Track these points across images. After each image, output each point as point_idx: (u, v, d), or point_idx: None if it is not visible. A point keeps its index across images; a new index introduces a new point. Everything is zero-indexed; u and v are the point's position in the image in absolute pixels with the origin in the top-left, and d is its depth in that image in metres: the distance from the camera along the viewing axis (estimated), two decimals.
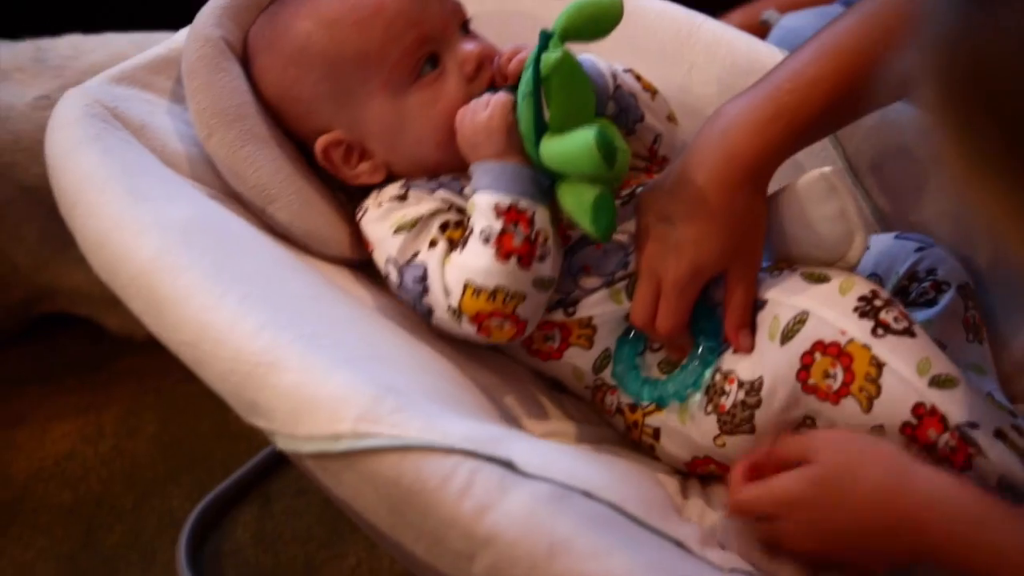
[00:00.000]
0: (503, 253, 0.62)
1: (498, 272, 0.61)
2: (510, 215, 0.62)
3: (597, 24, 0.63)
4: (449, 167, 0.68)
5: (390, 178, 0.70)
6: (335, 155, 0.70)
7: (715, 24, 0.88)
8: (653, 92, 0.75)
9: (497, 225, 0.62)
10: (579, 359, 0.68)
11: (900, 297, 0.69)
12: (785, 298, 0.62)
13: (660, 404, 0.65)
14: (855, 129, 0.80)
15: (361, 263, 0.72)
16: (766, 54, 0.84)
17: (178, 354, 0.56)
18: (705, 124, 0.65)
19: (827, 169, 0.64)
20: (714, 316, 0.65)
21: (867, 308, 0.60)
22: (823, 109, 0.62)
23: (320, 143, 0.70)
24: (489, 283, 0.62)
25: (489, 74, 0.68)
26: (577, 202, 0.61)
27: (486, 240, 0.62)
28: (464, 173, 0.68)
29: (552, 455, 0.54)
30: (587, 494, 0.49)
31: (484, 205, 0.63)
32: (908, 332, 0.59)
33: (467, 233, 0.64)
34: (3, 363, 1.13)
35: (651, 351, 0.67)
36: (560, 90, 0.61)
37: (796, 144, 0.64)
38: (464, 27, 0.71)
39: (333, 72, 0.68)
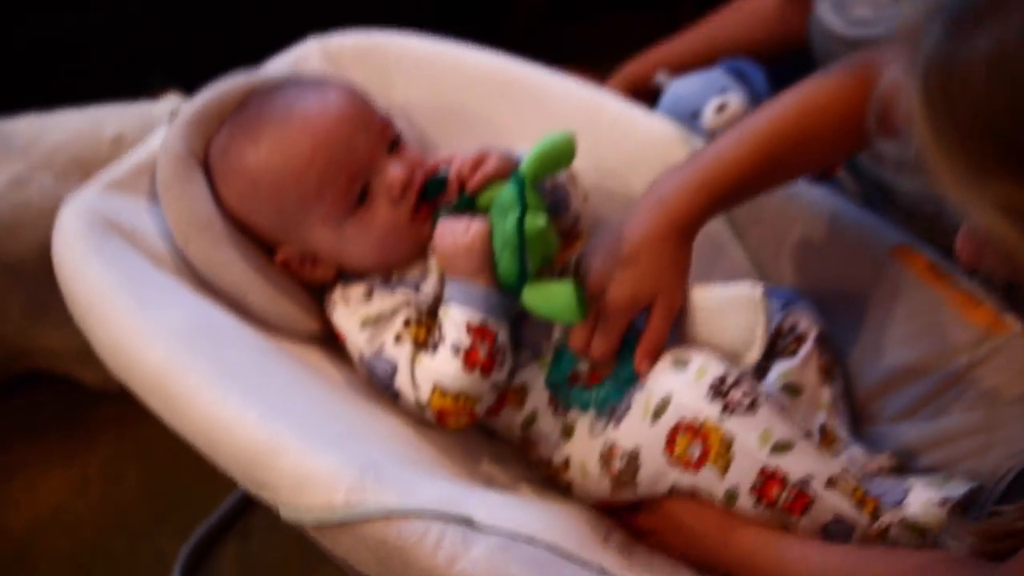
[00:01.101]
0: (470, 364, 0.75)
1: (463, 379, 0.75)
2: (478, 332, 0.75)
3: (557, 164, 0.78)
4: (391, 268, 0.81)
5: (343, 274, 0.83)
6: (292, 263, 0.83)
7: (617, 102, 1.01)
8: (573, 179, 0.88)
9: (467, 341, 0.75)
10: (511, 417, 0.81)
11: (769, 350, 0.83)
12: (656, 383, 0.76)
13: (584, 407, 0.79)
14: None
15: (327, 337, 0.85)
16: (660, 128, 0.98)
17: (192, 442, 0.68)
18: (643, 193, 0.79)
19: (759, 289, 0.78)
20: (633, 349, 0.78)
21: (718, 390, 0.74)
22: (740, 184, 0.78)
23: (278, 256, 0.83)
24: (455, 387, 0.75)
25: (416, 187, 0.80)
26: (550, 302, 0.75)
27: (456, 351, 0.75)
28: (414, 266, 0.81)
29: (501, 508, 0.68)
30: (530, 539, 0.64)
31: (457, 319, 0.76)
32: (752, 407, 0.73)
33: (438, 339, 0.76)
34: None
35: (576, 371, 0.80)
36: (538, 247, 0.75)
37: (716, 209, 0.79)
38: (392, 145, 0.82)
39: (279, 210, 0.80)
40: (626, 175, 0.97)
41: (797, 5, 1.17)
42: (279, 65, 0.99)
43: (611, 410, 0.77)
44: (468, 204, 0.81)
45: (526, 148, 0.85)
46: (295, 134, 0.80)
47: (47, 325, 1.11)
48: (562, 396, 0.80)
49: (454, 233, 0.77)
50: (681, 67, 1.25)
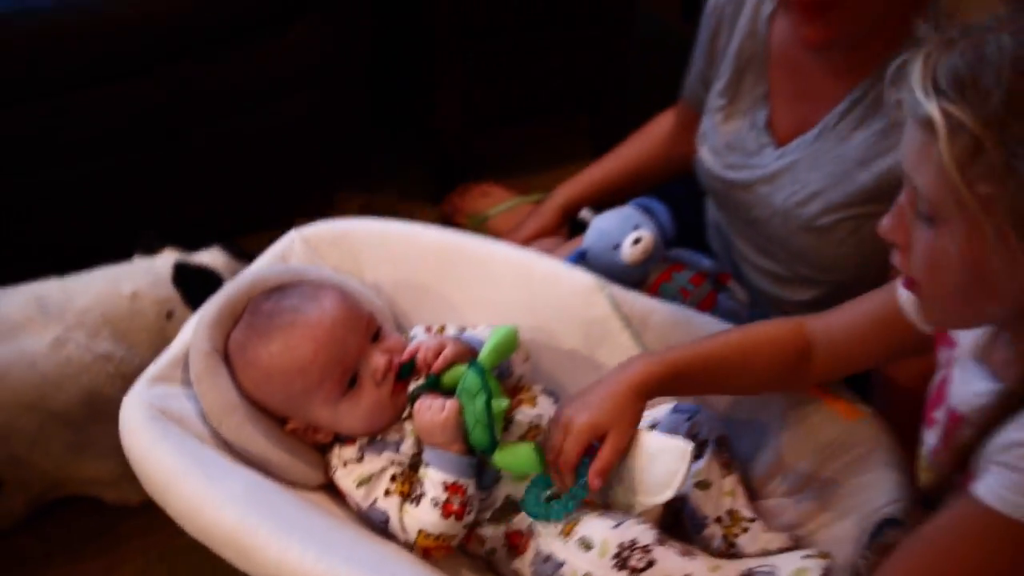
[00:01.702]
0: (447, 514, 1.00)
1: (442, 525, 1.00)
2: (453, 488, 1.00)
3: (507, 353, 1.07)
4: (376, 433, 1.07)
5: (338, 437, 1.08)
6: (299, 432, 1.08)
7: (544, 261, 1.28)
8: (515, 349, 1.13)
9: (444, 496, 1.00)
10: (473, 545, 1.07)
11: None
12: (573, 557, 0.99)
13: (546, 519, 1.02)
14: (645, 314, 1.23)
15: (328, 483, 1.10)
16: (580, 280, 1.25)
17: None
18: (613, 368, 1.05)
19: (690, 446, 1.01)
20: (585, 471, 1.01)
21: (620, 560, 0.96)
22: (687, 378, 1.04)
23: (288, 426, 1.08)
24: (435, 531, 1.00)
25: (394, 372, 1.06)
26: (517, 461, 1.02)
27: (435, 504, 1.00)
28: (393, 430, 1.07)
29: None
30: None
31: (436, 479, 1.01)
32: (649, 566, 0.96)
33: (420, 493, 1.01)
34: (20, 546, 1.39)
35: (545, 494, 1.04)
36: (501, 421, 1.03)
37: (664, 388, 1.03)
38: (375, 336, 1.08)
39: (288, 395, 1.06)
40: (555, 326, 1.23)
41: (688, 133, 1.45)
42: (269, 258, 1.23)
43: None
44: (434, 382, 1.07)
45: (481, 328, 1.13)
46: (299, 338, 1.05)
47: (87, 458, 1.33)
48: (538, 514, 1.03)
49: (432, 411, 1.02)
50: (603, 189, 1.51)
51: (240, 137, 1.74)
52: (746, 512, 1.08)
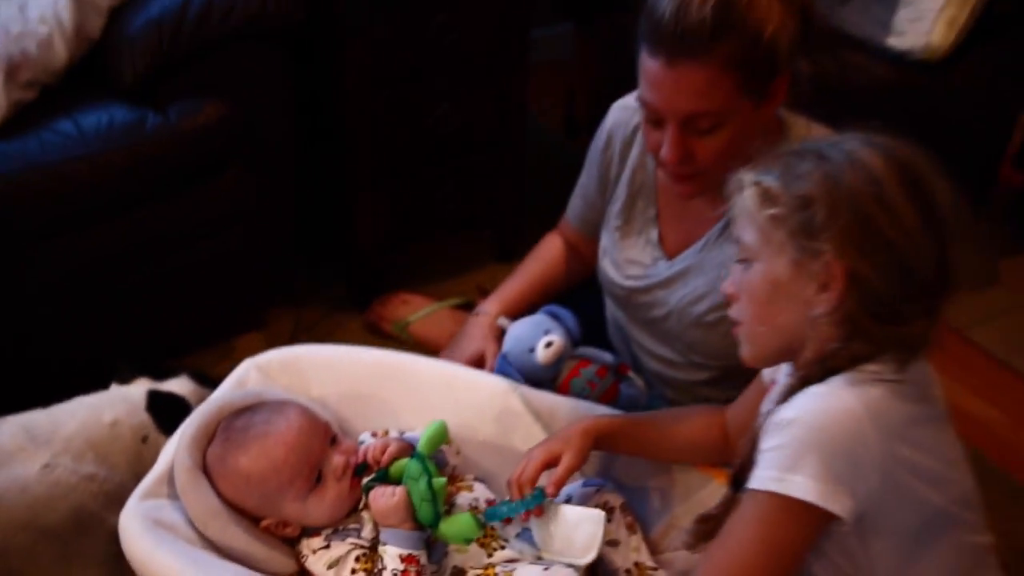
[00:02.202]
0: None
1: None
2: (409, 559, 1.22)
3: (440, 442, 1.31)
4: (338, 523, 1.28)
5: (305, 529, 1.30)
6: (271, 527, 1.29)
7: (465, 371, 1.53)
8: (451, 444, 1.38)
9: (401, 567, 1.21)
10: None
11: None
12: None
13: (501, 517, 1.26)
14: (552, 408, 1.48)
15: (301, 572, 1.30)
16: (496, 384, 1.49)
17: None
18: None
19: (603, 513, 1.25)
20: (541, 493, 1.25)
21: None
22: (626, 437, 1.34)
23: (263, 524, 1.28)
24: None
25: (351, 469, 1.29)
26: (458, 529, 1.24)
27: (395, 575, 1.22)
28: (352, 520, 1.29)
29: None
30: None
31: (393, 554, 1.22)
32: None
33: (381, 568, 1.21)
34: None
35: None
36: (442, 497, 1.25)
37: (610, 443, 1.32)
38: (333, 440, 1.31)
39: (263, 496, 1.27)
40: (478, 424, 1.47)
41: (577, 250, 1.73)
42: (230, 385, 1.44)
43: None
44: (383, 475, 1.30)
45: (417, 429, 1.37)
46: (272, 445, 1.27)
47: (75, 567, 1.49)
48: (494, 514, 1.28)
49: (384, 496, 1.25)
50: (519, 305, 1.72)
51: (183, 269, 1.97)
52: (650, 563, 1.34)
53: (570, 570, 1.24)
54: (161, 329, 2.00)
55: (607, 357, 1.64)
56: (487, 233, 2.48)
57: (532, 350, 1.58)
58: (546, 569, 1.24)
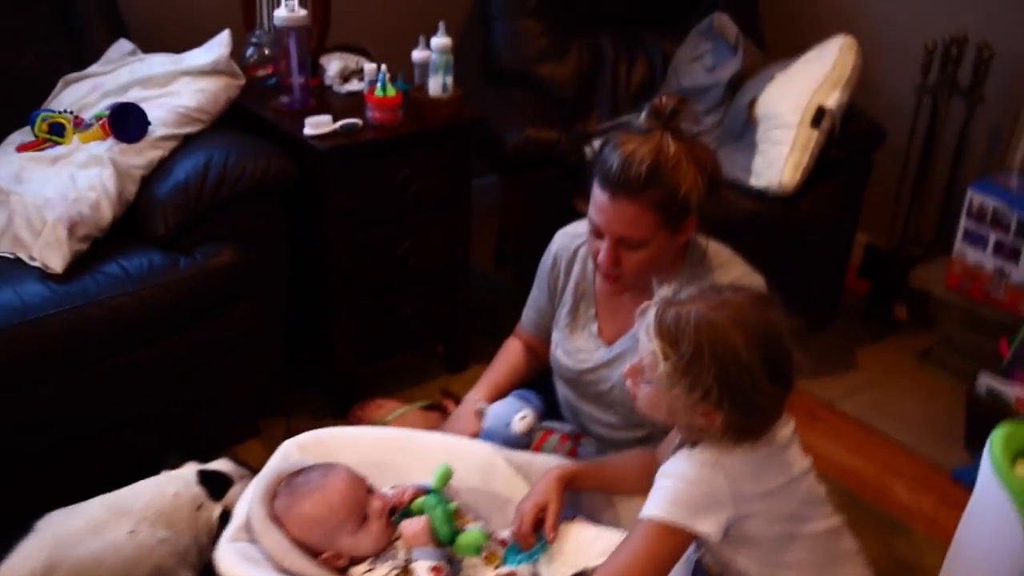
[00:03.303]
0: None
1: None
2: (436, 570, 1.64)
3: (446, 480, 1.75)
4: (379, 552, 1.69)
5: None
6: (329, 560, 1.68)
7: (459, 440, 1.96)
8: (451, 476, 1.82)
9: (430, 575, 1.63)
10: None
11: None
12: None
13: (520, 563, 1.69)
14: (527, 462, 1.92)
15: None
16: (483, 448, 1.95)
17: None
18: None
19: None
20: (542, 538, 1.70)
21: None
22: (590, 478, 1.78)
23: (321, 558, 1.68)
24: None
25: (386, 511, 1.71)
26: (471, 543, 1.68)
27: None
28: (389, 549, 1.69)
29: None
30: None
31: (424, 566, 1.63)
32: None
33: None
34: None
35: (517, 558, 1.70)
36: (455, 520, 1.70)
37: (577, 484, 1.76)
38: (369, 490, 1.74)
39: (324, 535, 1.67)
40: (468, 477, 1.89)
41: (532, 349, 2.21)
42: (278, 458, 1.84)
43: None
44: (407, 512, 1.74)
45: (426, 477, 1.80)
46: (328, 493, 1.69)
47: None
48: (514, 561, 1.71)
49: (412, 525, 1.69)
50: (495, 394, 2.15)
51: (192, 388, 2.37)
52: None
53: None
54: (171, 441, 2.34)
55: (566, 427, 2.10)
56: (439, 348, 2.95)
57: (508, 424, 2.00)
58: None
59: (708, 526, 1.47)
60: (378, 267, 2.60)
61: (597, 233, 1.84)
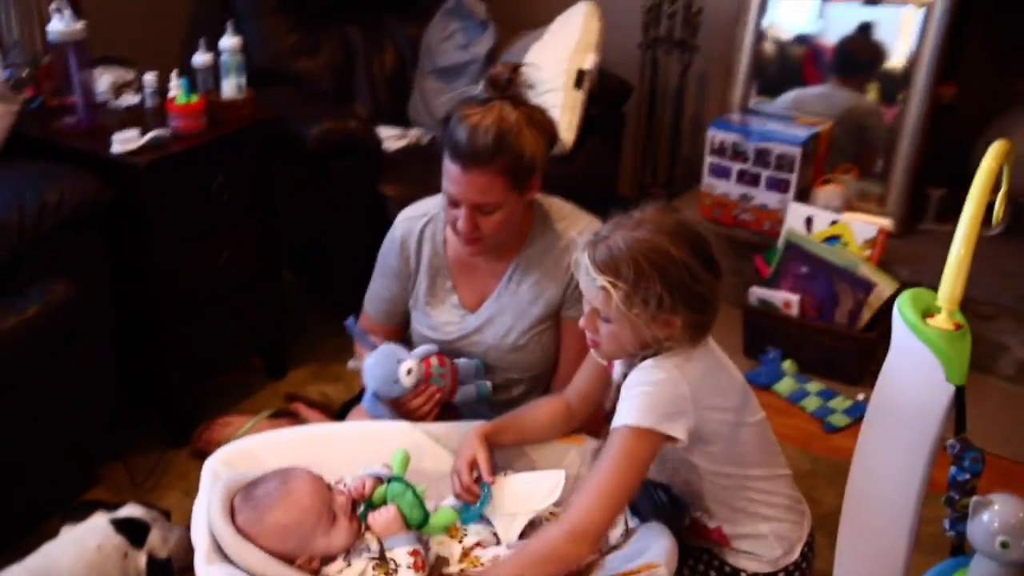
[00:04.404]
0: (418, 569, 1.62)
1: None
2: (414, 553, 1.65)
3: (406, 465, 1.77)
4: (350, 547, 1.67)
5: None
6: (303, 564, 1.62)
7: (374, 424, 1.99)
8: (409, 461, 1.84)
9: (411, 560, 1.63)
10: None
11: None
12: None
13: (473, 517, 1.75)
14: (443, 433, 1.98)
15: None
16: (401, 426, 1.98)
17: None
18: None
19: (562, 472, 1.82)
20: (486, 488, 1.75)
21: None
22: (506, 432, 1.88)
23: (296, 562, 1.62)
24: None
25: (350, 505, 1.69)
26: (443, 521, 1.72)
27: (409, 567, 1.62)
28: (359, 543, 1.68)
29: None
30: None
31: (403, 552, 1.64)
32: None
33: (395, 567, 1.62)
34: None
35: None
36: (423, 502, 1.71)
37: (496, 439, 1.86)
38: (328, 488, 1.72)
39: (299, 539, 1.60)
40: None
41: (387, 331, 2.22)
42: (209, 480, 1.74)
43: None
44: (369, 504, 1.73)
45: (357, 468, 1.81)
46: (297, 497, 1.65)
47: None
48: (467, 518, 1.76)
49: (381, 515, 1.68)
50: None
51: (32, 434, 2.17)
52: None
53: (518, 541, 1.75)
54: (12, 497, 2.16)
55: (432, 348, 2.04)
56: (255, 359, 2.88)
57: (396, 381, 1.95)
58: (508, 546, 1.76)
59: (677, 430, 1.62)
60: (203, 281, 2.51)
61: (453, 203, 1.92)
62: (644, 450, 1.62)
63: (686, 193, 3.61)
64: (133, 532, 1.84)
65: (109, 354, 2.31)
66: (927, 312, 1.56)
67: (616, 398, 1.68)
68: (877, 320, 2.94)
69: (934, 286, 1.56)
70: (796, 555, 1.83)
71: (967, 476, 1.51)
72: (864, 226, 3.05)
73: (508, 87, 1.88)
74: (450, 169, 1.88)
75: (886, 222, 3.24)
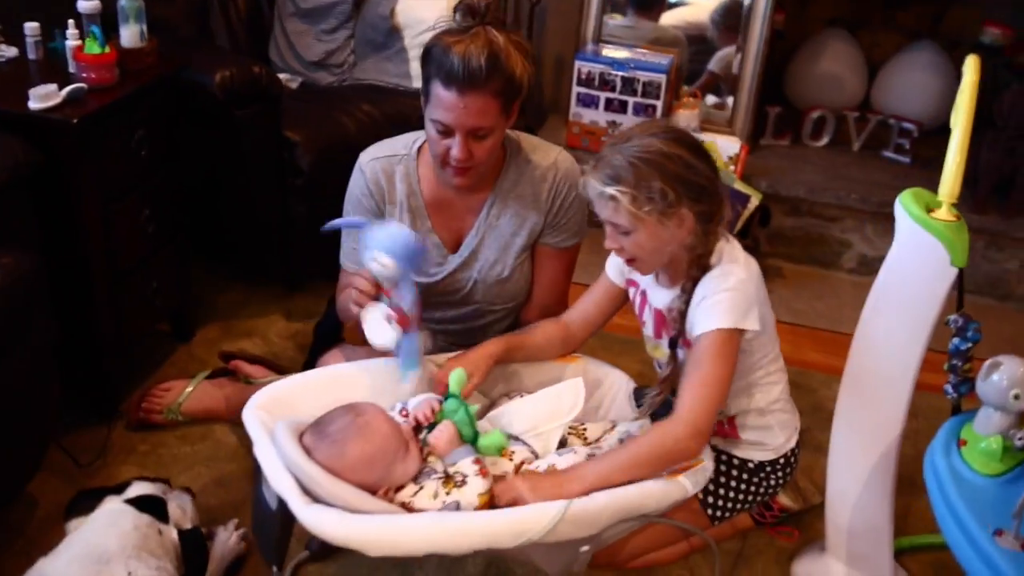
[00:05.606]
0: (484, 475, 1.69)
1: (487, 482, 1.64)
2: (478, 461, 1.71)
3: (463, 384, 1.81)
4: (420, 471, 1.72)
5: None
6: (384, 495, 1.66)
7: (393, 360, 1.99)
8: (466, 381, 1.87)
9: (476, 468, 1.68)
10: None
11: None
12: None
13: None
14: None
15: None
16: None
17: None
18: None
19: (580, 380, 1.92)
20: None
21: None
22: (512, 352, 2.02)
23: (378, 493, 1.66)
24: (486, 488, 1.63)
25: (413, 431, 1.74)
26: (493, 443, 1.78)
27: (476, 474, 1.68)
28: (424, 468, 1.73)
29: None
30: None
31: (468, 462, 1.69)
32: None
33: (463, 478, 1.67)
34: None
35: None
36: (475, 420, 1.77)
37: (503, 358, 1.98)
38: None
39: (383, 469, 1.64)
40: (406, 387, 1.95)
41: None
42: (256, 427, 1.69)
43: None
44: (432, 425, 1.78)
45: (389, 401, 1.84)
46: (376, 427, 1.67)
47: None
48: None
49: (440, 433, 1.74)
50: None
51: None
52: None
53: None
54: None
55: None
56: (162, 324, 2.74)
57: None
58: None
59: (751, 322, 1.80)
60: (128, 243, 2.37)
61: (446, 132, 1.93)
62: (733, 347, 1.80)
63: (544, 125, 3.74)
64: (155, 509, 1.77)
65: (53, 331, 2.13)
66: (928, 208, 1.77)
67: (680, 325, 1.84)
68: (747, 229, 3.20)
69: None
70: (793, 443, 2.04)
71: (969, 344, 1.75)
72: (728, 143, 3.30)
73: (487, 13, 1.92)
74: (444, 97, 1.88)
75: (736, 140, 3.51)
